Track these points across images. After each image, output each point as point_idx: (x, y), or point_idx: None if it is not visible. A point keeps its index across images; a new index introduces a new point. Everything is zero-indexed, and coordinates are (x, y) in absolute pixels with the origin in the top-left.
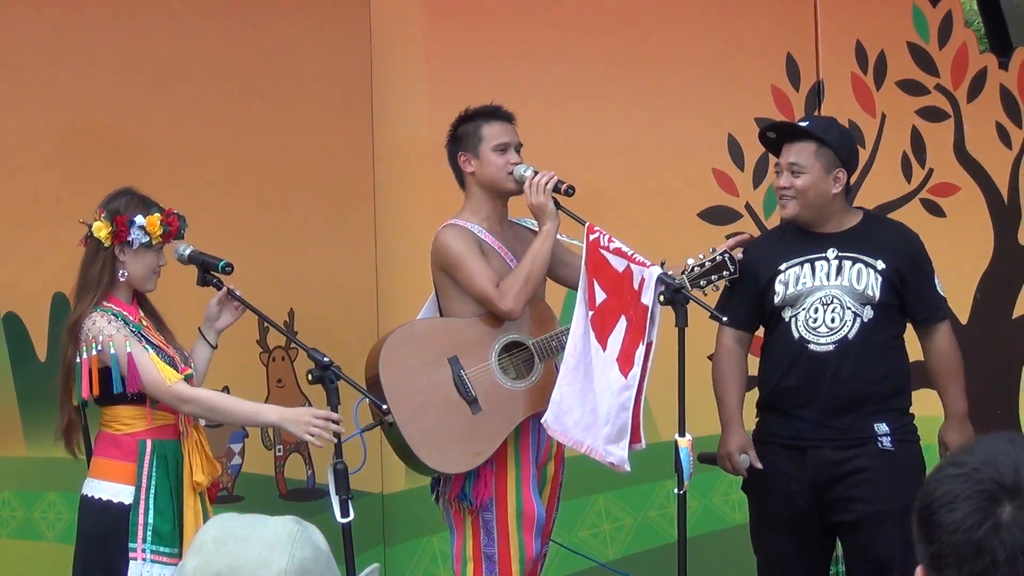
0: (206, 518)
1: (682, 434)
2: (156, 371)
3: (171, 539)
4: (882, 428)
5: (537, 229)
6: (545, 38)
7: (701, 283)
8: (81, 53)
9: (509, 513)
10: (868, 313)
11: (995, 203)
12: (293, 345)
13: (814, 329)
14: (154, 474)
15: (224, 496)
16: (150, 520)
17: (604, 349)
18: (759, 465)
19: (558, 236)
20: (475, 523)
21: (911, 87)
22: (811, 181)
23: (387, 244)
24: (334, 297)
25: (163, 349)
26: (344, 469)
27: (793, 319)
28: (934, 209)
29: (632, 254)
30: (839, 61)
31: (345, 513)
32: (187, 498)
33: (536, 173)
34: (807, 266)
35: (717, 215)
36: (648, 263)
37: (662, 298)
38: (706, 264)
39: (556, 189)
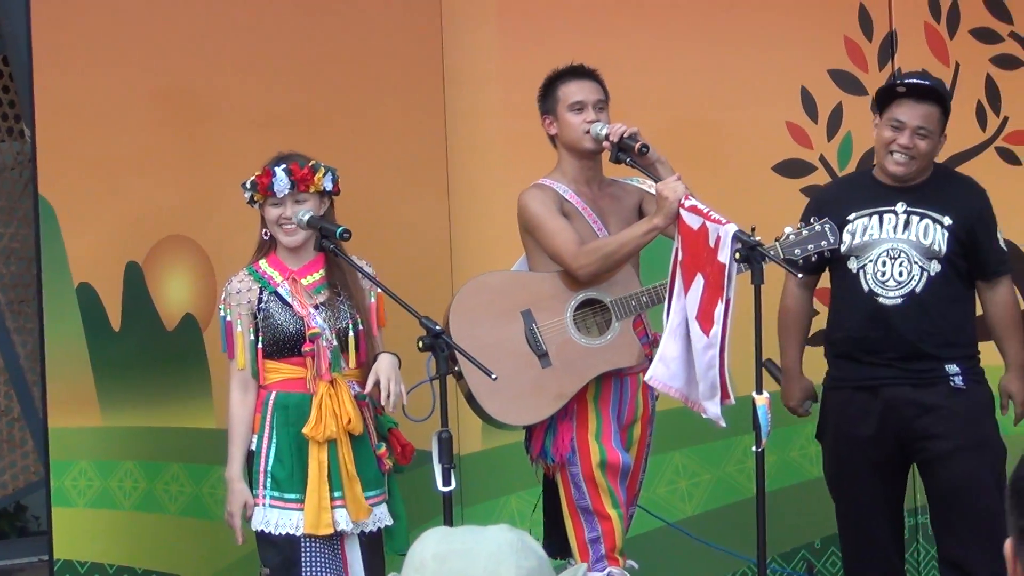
0: (332, 471)
1: (759, 391)
2: (235, 350)
3: (290, 485)
4: (952, 368)
5: (639, 185)
6: None
7: (796, 251)
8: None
9: (593, 464)
10: (935, 267)
11: None
12: None
13: (883, 283)
14: (275, 424)
15: None
16: (268, 468)
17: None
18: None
19: (635, 181)
20: (564, 479)
21: (985, 35)
22: (933, 146)
23: (460, 201)
24: (408, 255)
25: (293, 309)
26: (449, 438)
27: (861, 271)
28: (1009, 157)
29: (708, 211)
30: (912, 10)
31: (447, 482)
32: (311, 448)
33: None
34: (875, 218)
35: (791, 168)
36: (724, 220)
37: (738, 255)
38: (803, 232)
39: (629, 146)
